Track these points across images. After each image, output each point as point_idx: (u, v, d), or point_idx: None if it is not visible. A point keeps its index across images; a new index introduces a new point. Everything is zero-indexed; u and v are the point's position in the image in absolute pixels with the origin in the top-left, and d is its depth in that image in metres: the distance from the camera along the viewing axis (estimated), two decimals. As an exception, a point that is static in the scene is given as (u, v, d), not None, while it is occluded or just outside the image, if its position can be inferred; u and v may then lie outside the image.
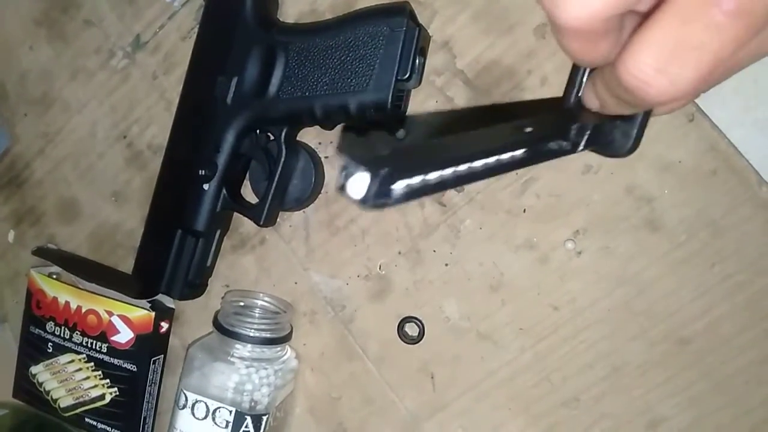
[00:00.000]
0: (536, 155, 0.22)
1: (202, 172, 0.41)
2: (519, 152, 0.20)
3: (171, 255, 0.42)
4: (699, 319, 0.37)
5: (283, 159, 0.40)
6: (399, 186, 0.16)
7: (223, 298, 0.45)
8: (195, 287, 0.44)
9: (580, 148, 0.24)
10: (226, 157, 0.41)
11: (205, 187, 0.41)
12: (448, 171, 0.18)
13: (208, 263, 0.44)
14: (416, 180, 0.17)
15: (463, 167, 0.18)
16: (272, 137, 0.41)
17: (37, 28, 0.49)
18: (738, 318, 0.37)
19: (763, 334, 0.37)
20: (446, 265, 0.41)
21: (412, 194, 0.17)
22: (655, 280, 0.38)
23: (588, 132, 0.24)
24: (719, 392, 0.37)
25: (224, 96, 0.40)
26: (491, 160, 0.19)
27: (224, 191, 0.41)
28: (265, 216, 0.40)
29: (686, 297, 0.37)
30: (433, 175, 0.17)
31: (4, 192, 0.51)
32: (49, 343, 0.48)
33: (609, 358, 0.39)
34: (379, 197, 0.16)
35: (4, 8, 0.49)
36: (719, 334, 0.37)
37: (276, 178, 0.40)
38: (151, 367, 0.46)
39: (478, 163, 0.19)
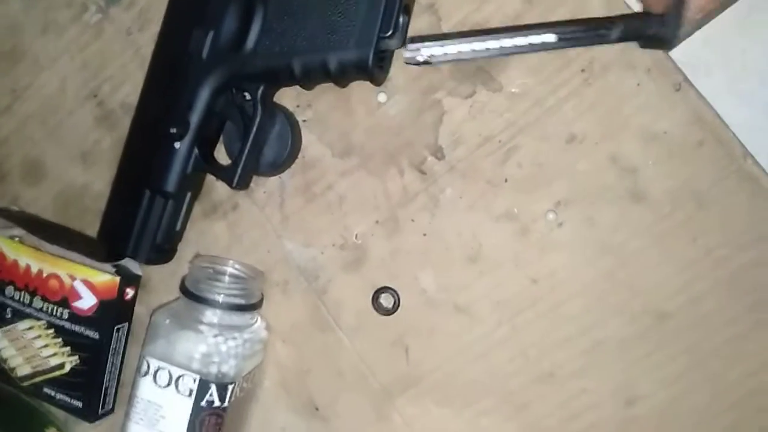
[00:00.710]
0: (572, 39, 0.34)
1: (173, 131, 0.39)
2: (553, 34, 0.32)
3: (138, 216, 0.41)
4: (680, 293, 0.36)
5: (258, 118, 0.39)
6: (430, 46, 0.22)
7: (191, 263, 0.43)
8: (163, 252, 0.42)
9: (616, 35, 0.33)
10: (200, 115, 0.39)
11: (177, 146, 0.40)
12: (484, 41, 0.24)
13: (178, 227, 0.42)
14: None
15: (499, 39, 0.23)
16: (248, 96, 0.39)
17: (8, -19, 0.47)
18: (719, 293, 0.36)
19: (744, 310, 0.36)
20: (424, 235, 0.40)
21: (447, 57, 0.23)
22: (638, 253, 0.37)
23: (623, 24, 0.33)
24: (699, 368, 0.37)
25: (199, 50, 0.38)
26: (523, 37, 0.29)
27: (196, 151, 0.40)
28: (238, 177, 0.39)
29: (668, 270, 0.37)
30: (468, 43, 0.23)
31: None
32: (8, 309, 0.46)
33: (588, 332, 0.38)
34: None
35: (-26, -41, 0.47)
36: (700, 309, 0.36)
37: (251, 138, 0.39)
38: (115, 335, 0.44)
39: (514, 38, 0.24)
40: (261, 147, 0.40)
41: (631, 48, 0.36)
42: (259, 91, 0.39)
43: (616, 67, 0.37)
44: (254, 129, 0.39)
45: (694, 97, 0.36)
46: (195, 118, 0.39)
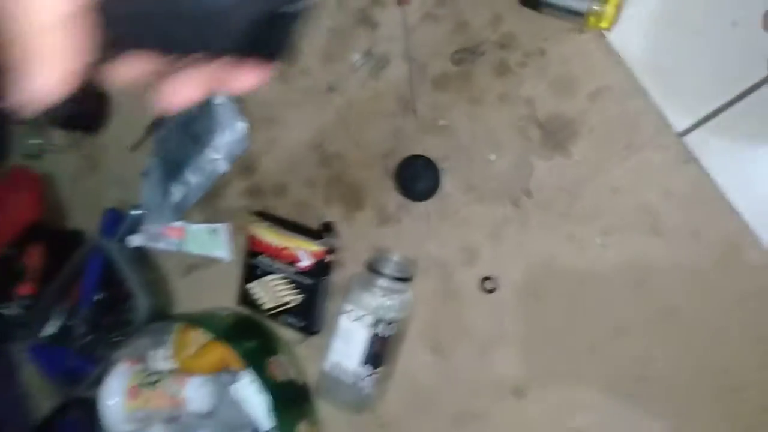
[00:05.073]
0: None
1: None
2: None
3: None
4: None
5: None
6: None
7: (373, 253, 0.70)
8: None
9: None
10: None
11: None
12: None
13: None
14: None
15: None
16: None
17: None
18: None
19: None
20: (519, 244, 0.63)
21: None
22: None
23: None
24: None
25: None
26: None
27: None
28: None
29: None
30: None
31: (241, 174, 0.81)
32: (258, 269, 0.76)
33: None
34: None
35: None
36: None
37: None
38: (321, 282, 0.73)
39: None
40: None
41: (667, 131, 0.57)
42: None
43: (650, 147, 0.57)
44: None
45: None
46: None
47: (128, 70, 0.22)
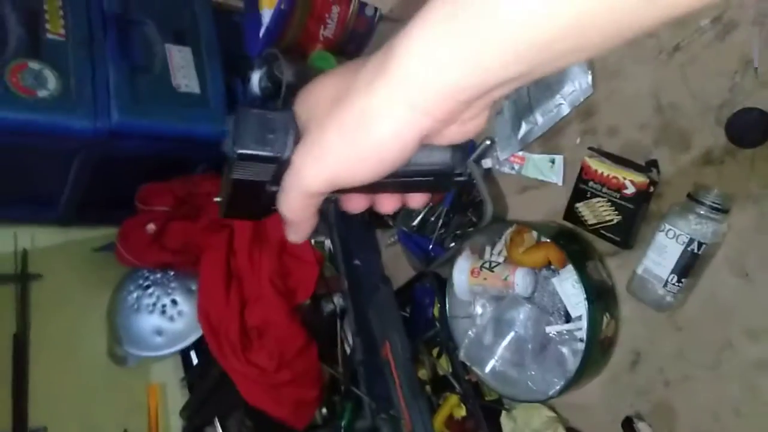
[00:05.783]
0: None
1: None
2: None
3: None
4: None
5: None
6: None
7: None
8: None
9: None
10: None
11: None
12: None
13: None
14: None
15: None
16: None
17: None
18: None
19: None
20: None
21: None
22: None
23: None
24: None
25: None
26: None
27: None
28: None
29: None
30: None
31: (581, 116, 1.01)
32: (587, 192, 0.97)
33: None
34: None
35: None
36: None
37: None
38: (641, 207, 0.89)
39: None
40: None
41: None
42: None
43: None
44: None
45: None
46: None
47: (358, 201, 0.39)
